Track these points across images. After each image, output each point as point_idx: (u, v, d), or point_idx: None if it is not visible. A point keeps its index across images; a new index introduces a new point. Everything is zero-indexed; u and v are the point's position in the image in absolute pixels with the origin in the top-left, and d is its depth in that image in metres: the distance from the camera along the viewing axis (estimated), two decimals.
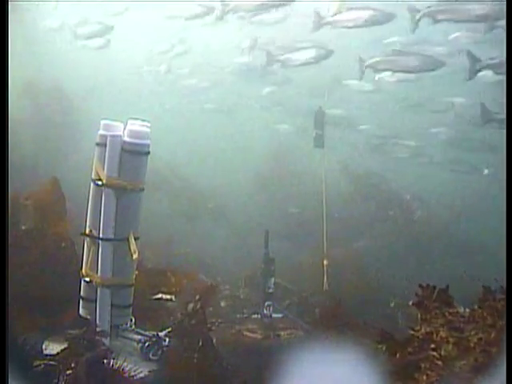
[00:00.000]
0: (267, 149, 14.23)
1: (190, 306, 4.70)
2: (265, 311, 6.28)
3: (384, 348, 3.29)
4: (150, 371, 4.44)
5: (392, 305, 6.94)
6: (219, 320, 5.89)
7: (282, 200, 12.29)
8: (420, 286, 3.32)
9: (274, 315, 6.35)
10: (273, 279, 6.36)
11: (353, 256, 8.98)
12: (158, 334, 4.79)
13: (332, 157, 8.44)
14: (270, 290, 6.34)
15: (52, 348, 4.24)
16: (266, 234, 6.51)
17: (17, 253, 4.75)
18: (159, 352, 4.72)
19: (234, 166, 14.03)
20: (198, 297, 4.69)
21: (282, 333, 6.14)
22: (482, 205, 11.81)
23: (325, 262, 7.68)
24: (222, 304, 7.27)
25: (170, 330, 4.85)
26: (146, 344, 4.72)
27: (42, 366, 3.92)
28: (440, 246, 9.96)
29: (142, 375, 4.25)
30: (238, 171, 13.57)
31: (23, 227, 5.27)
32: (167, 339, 4.77)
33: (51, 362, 3.96)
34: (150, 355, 4.69)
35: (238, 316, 6.53)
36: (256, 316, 6.36)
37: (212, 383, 4.25)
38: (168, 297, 5.33)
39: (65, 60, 12.56)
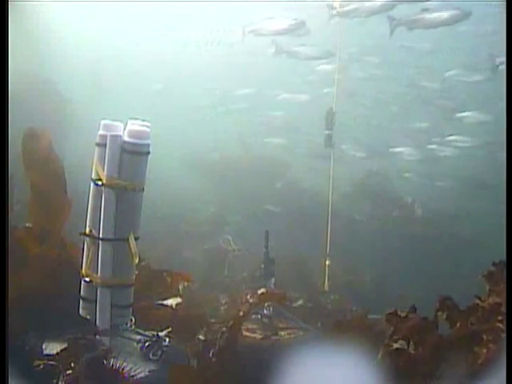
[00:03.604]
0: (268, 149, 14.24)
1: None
2: (265, 311, 6.26)
3: (444, 316, 3.08)
4: (150, 371, 4.43)
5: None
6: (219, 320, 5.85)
7: (283, 200, 12.29)
8: (493, 263, 3.12)
9: (274, 315, 6.34)
10: (273, 279, 6.34)
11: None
12: (158, 334, 4.78)
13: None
14: None
15: (52, 348, 4.23)
16: (266, 234, 6.50)
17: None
18: (159, 352, 4.71)
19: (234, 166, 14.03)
20: (250, 297, 4.60)
21: (282, 333, 6.13)
22: None
23: (327, 263, 7.66)
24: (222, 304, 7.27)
25: (169, 329, 4.85)
26: (146, 344, 4.71)
27: (42, 365, 3.91)
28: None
29: (142, 375, 4.25)
30: (238, 171, 13.56)
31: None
32: (167, 339, 4.77)
33: (51, 362, 3.95)
34: (150, 355, 4.69)
35: None
36: (256, 316, 6.34)
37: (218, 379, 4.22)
38: (168, 304, 5.32)
39: (65, 60, 12.54)
